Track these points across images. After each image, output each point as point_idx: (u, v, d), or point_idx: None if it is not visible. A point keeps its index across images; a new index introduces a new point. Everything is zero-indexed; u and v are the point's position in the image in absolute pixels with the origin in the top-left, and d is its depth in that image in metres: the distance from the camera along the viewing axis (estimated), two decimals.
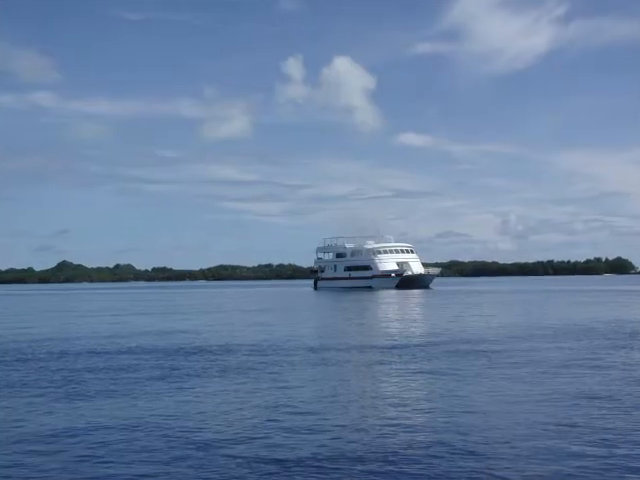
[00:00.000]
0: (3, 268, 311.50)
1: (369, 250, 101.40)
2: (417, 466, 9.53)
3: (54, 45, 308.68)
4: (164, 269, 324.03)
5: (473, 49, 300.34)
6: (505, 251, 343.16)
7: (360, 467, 9.52)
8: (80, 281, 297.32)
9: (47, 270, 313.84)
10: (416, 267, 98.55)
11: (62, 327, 35.98)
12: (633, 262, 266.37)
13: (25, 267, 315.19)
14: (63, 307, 64.91)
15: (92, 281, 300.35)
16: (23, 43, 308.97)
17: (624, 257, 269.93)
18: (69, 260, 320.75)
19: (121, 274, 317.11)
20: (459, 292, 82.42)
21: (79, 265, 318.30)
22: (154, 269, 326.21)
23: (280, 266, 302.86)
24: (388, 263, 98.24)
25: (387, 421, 12.08)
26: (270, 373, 17.77)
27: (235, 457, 10.08)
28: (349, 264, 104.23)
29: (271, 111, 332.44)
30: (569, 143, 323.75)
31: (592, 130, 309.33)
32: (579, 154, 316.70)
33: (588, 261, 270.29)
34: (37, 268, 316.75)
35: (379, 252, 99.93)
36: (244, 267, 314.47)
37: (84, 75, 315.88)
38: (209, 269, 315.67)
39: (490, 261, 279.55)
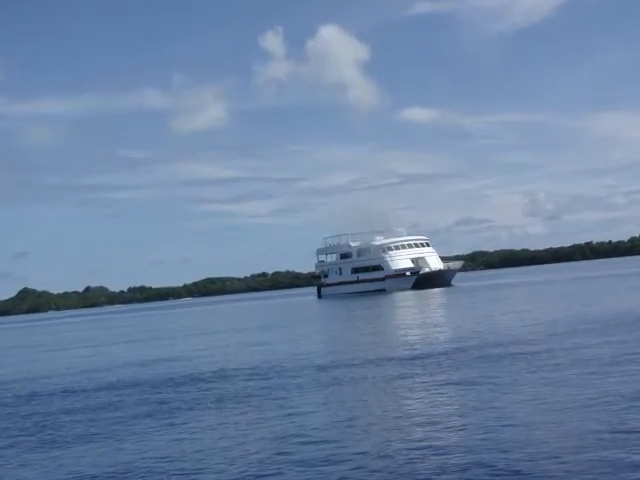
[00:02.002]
0: None
1: (378, 247, 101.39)
2: None
3: None
4: (142, 288, 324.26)
5: (479, 4, 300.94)
6: (536, 236, 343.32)
7: None
8: (45, 310, 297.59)
9: (6, 300, 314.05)
10: (434, 262, 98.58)
11: (29, 365, 35.98)
12: None
13: None
14: (28, 341, 64.91)
15: (59, 309, 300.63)
16: None
17: None
18: (31, 287, 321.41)
19: (93, 298, 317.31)
20: (486, 287, 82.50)
21: (43, 292, 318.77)
22: (130, 289, 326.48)
23: (276, 274, 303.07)
24: (401, 260, 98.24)
25: (415, 444, 12.09)
26: (275, 399, 17.79)
27: None
28: (356, 265, 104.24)
29: (250, 95, 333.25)
30: (602, 105, 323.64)
31: (627, 88, 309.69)
32: (615, 116, 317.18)
33: (633, 239, 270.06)
34: None
35: (390, 249, 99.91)
36: (235, 278, 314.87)
37: (30, 71, 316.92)
38: (194, 284, 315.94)
39: (519, 249, 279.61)
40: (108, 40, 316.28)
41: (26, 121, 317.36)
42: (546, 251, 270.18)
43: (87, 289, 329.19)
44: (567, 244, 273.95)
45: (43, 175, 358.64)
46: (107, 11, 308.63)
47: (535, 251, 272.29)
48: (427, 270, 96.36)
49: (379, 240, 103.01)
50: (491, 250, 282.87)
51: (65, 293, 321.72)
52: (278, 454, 12.27)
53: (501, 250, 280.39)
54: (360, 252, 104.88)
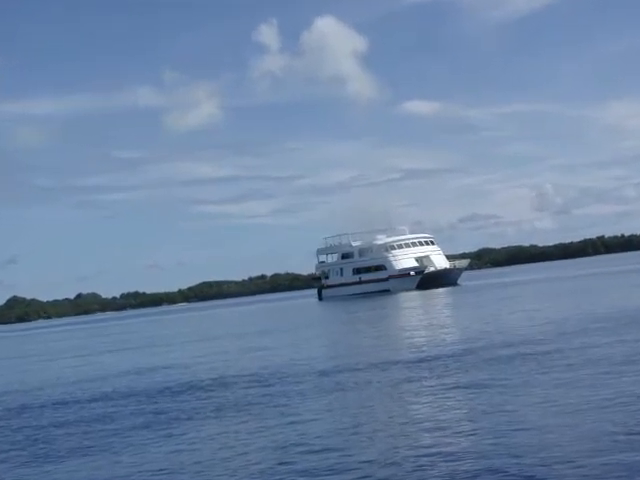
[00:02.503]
0: None
1: (381, 246, 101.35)
2: None
3: None
4: (136, 294, 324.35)
5: None
6: (544, 231, 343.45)
7: None
8: (35, 318, 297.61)
9: None
10: (439, 261, 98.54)
11: (19, 376, 35.95)
12: None
13: None
14: (18, 352, 64.89)
15: (50, 317, 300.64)
16: None
17: None
18: (20, 295, 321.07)
19: (84, 305, 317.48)
20: (493, 286, 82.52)
21: (33, 299, 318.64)
22: (123, 295, 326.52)
23: (275, 276, 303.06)
24: (405, 260, 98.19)
25: (423, 450, 12.09)
26: (276, 406, 17.79)
27: None
28: (358, 265, 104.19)
29: (245, 91, 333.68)
30: (610, 93, 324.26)
31: (631, 76, 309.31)
32: (623, 105, 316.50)
33: None
34: None
35: (393, 247, 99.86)
36: (232, 282, 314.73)
37: (20, 70, 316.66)
38: (190, 289, 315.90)
39: (527, 245, 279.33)
40: (100, 38, 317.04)
41: (16, 121, 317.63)
42: (556, 247, 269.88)
43: (78, 296, 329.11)
44: (577, 239, 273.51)
45: (35, 177, 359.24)
46: (98, 9, 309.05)
47: (544, 247, 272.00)
48: (432, 269, 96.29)
49: (381, 239, 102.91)
50: (498, 247, 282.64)
51: (55, 300, 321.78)
52: (280, 464, 12.26)
53: (508, 247, 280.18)
54: (362, 252, 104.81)
